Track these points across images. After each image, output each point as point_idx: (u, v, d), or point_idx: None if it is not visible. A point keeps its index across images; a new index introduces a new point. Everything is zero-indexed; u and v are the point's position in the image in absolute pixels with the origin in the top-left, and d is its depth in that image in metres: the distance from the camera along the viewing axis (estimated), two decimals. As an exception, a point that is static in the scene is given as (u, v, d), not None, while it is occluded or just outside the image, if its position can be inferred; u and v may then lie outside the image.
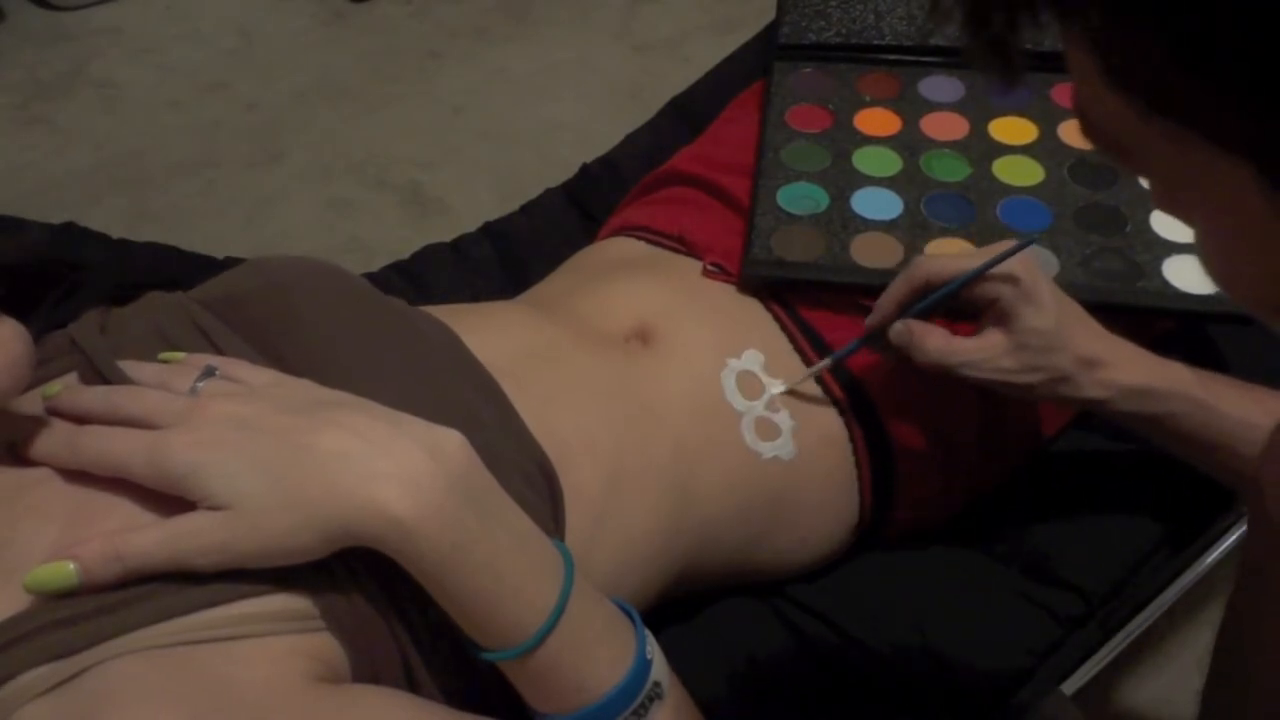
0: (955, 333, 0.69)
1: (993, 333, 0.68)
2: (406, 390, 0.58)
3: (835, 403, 0.75)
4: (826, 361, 0.74)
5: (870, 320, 0.72)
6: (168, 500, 0.49)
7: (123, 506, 0.50)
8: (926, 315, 0.70)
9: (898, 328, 0.69)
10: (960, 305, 0.69)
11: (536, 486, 0.59)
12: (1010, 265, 0.67)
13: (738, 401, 0.72)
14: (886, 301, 0.71)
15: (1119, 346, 0.68)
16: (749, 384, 0.73)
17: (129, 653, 0.45)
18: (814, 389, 0.75)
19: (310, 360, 0.58)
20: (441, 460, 0.50)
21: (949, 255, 0.69)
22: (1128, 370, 0.67)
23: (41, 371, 0.55)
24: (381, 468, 0.48)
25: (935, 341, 0.68)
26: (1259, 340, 0.83)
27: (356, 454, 0.48)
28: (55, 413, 0.52)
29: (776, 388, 0.73)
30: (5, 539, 0.49)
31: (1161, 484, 0.81)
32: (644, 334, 0.74)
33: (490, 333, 0.68)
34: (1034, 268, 0.67)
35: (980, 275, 0.67)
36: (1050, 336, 0.66)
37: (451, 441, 0.51)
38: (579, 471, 0.63)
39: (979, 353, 0.67)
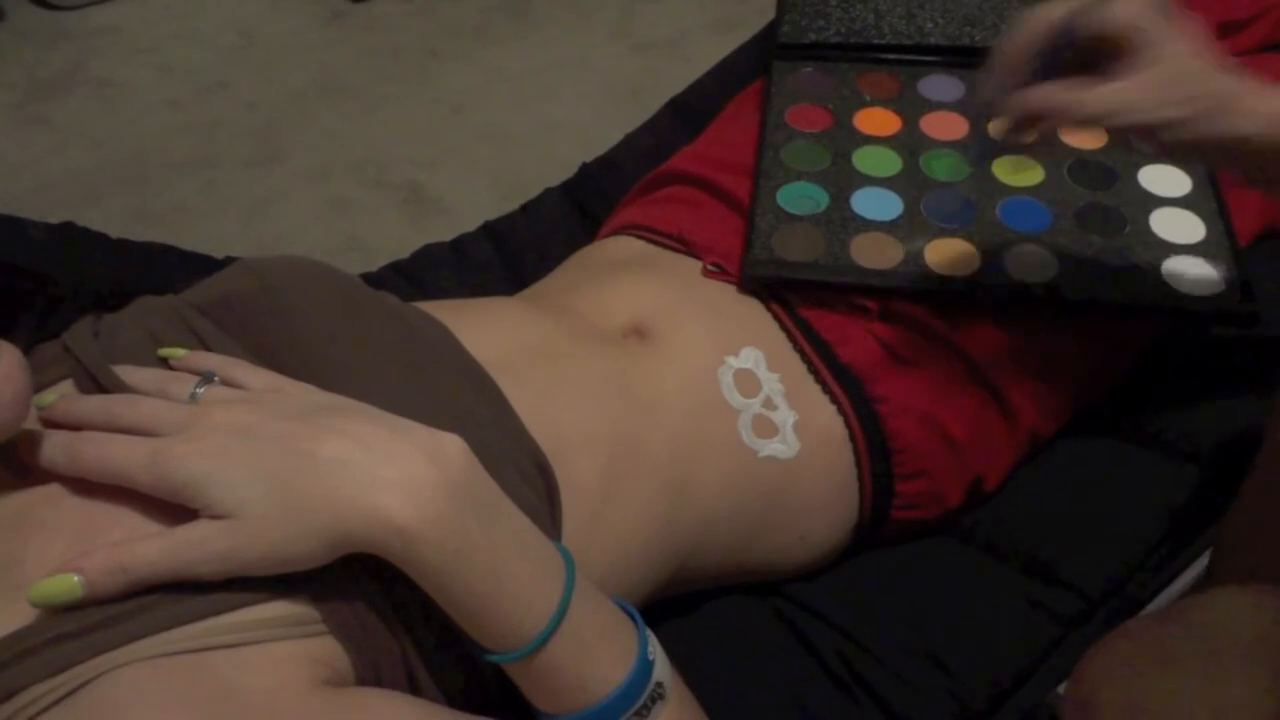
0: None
1: (1122, 69, 0.61)
2: (401, 390, 0.58)
3: (834, 401, 0.75)
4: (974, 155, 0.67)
5: (986, 98, 0.65)
6: (172, 511, 0.49)
7: (127, 519, 0.50)
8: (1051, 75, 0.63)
9: (1017, 100, 0.63)
10: (1085, 55, 0.62)
11: (533, 484, 0.59)
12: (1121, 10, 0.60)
13: (735, 399, 0.72)
14: (1002, 74, 0.63)
15: (1249, 81, 0.61)
16: (747, 382, 0.73)
17: (134, 662, 0.45)
18: (812, 387, 0.75)
19: (305, 362, 0.58)
20: (443, 465, 0.50)
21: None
22: (1273, 100, 0.61)
23: (34, 380, 0.55)
24: (383, 474, 0.48)
25: (1068, 101, 0.61)
26: (1259, 340, 0.83)
27: (357, 461, 0.48)
28: (51, 423, 0.52)
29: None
30: (14, 558, 0.49)
31: (1162, 484, 0.81)
32: (642, 331, 0.74)
33: (486, 328, 0.68)
34: None
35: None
36: (1202, 55, 0.60)
37: (452, 446, 0.51)
38: (576, 468, 0.63)
39: (1116, 95, 0.61)
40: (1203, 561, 0.83)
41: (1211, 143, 0.62)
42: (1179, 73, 0.61)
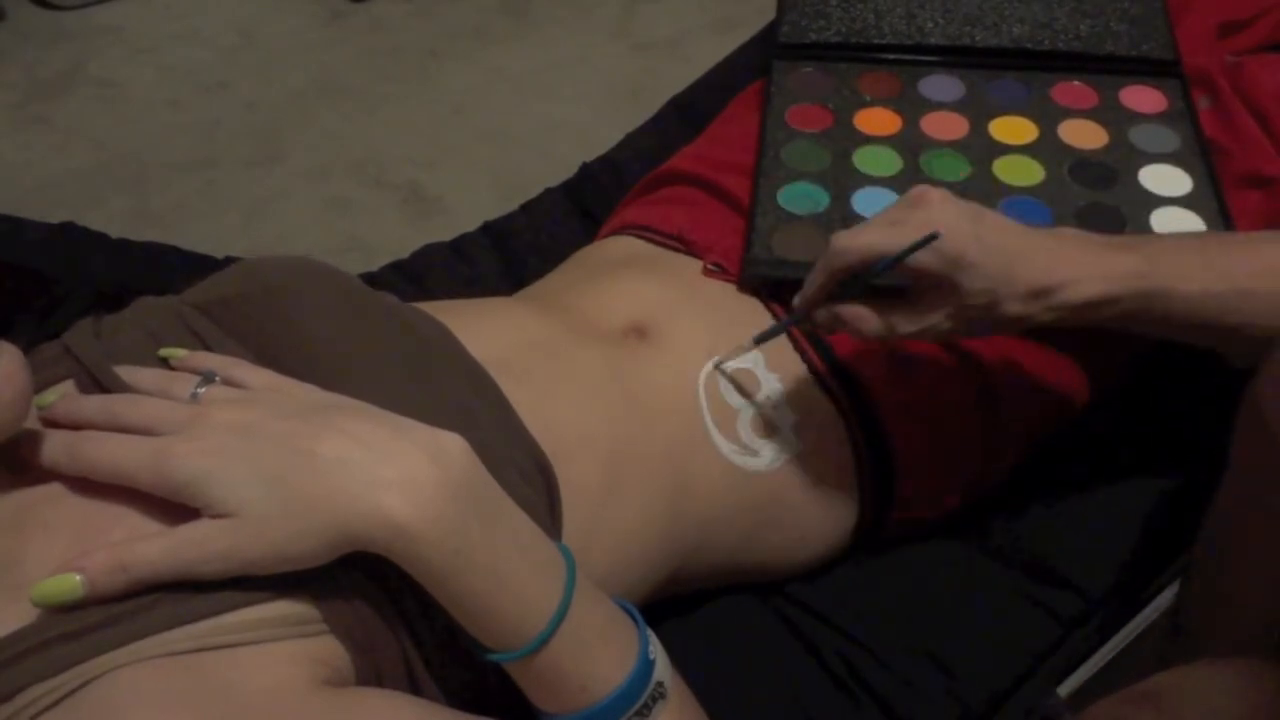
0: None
1: (929, 301, 0.64)
2: (401, 390, 0.58)
3: (834, 401, 0.75)
4: (748, 344, 0.72)
5: (797, 304, 0.69)
6: (173, 511, 0.49)
7: (128, 518, 0.50)
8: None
9: (823, 315, 0.67)
10: (886, 283, 0.66)
11: (534, 484, 0.59)
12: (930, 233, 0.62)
13: (735, 399, 0.72)
14: (810, 291, 0.67)
15: (1066, 262, 0.63)
16: (747, 382, 0.73)
17: (135, 662, 0.45)
18: (812, 387, 0.75)
19: (305, 362, 0.58)
20: (444, 465, 0.50)
21: (861, 232, 0.64)
22: (1079, 288, 0.63)
23: (35, 380, 0.55)
24: (384, 474, 0.48)
25: (872, 325, 0.65)
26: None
27: (359, 460, 0.48)
28: (52, 422, 0.52)
29: (740, 357, 0.72)
30: (14, 558, 0.49)
31: (1162, 484, 0.81)
32: (641, 330, 0.74)
33: (486, 328, 0.68)
34: (957, 230, 0.62)
35: (899, 260, 0.63)
36: (992, 293, 0.63)
37: (454, 445, 0.51)
38: (576, 467, 0.63)
39: (920, 323, 0.65)
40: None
41: (1064, 324, 0.66)
42: (969, 304, 0.63)
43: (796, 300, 0.69)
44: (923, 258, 0.62)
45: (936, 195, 0.64)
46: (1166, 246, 0.66)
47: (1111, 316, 0.65)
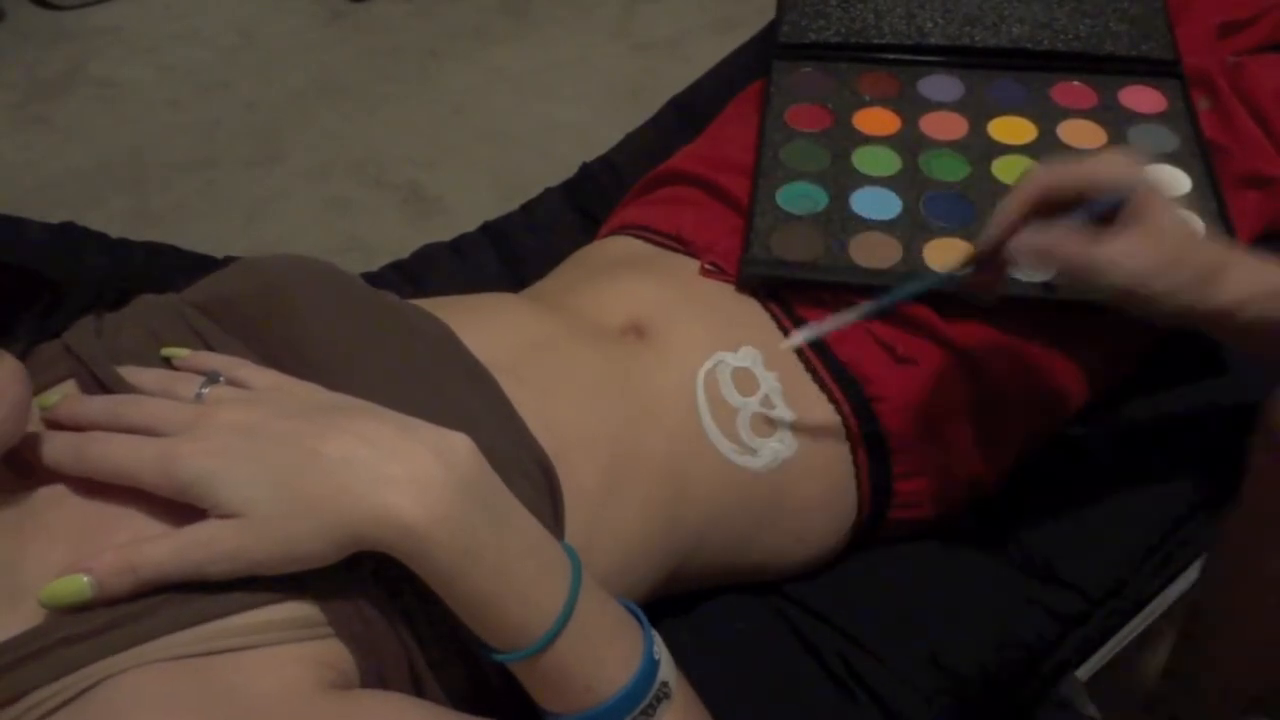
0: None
1: (1131, 228, 0.61)
2: (403, 389, 0.58)
3: (832, 400, 0.75)
4: (855, 313, 0.68)
5: (983, 243, 0.65)
6: (176, 513, 0.49)
7: (130, 521, 0.50)
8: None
9: (1022, 242, 0.62)
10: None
11: (536, 484, 0.59)
12: (1129, 172, 0.61)
13: (733, 398, 0.72)
14: (1003, 220, 0.64)
15: (1238, 253, 0.62)
16: (745, 381, 0.73)
17: (139, 666, 0.45)
18: (811, 387, 0.75)
19: (306, 361, 0.58)
20: (450, 464, 0.49)
21: (1072, 161, 0.62)
22: (1261, 270, 0.61)
23: (36, 381, 0.55)
24: (390, 473, 0.48)
25: (1073, 245, 0.61)
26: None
27: (364, 459, 0.48)
28: (55, 424, 0.52)
29: (796, 339, 0.70)
30: (13, 560, 0.49)
31: (1162, 484, 0.81)
32: (640, 330, 0.74)
33: (487, 327, 0.68)
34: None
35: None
36: (1189, 227, 0.61)
37: (460, 445, 0.51)
38: (577, 467, 0.63)
39: (1124, 246, 0.61)
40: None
41: (1195, 315, 0.62)
42: (1170, 238, 0.61)
43: (982, 242, 0.65)
44: (1129, 169, 0.61)
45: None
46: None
47: (1241, 326, 0.62)
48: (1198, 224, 0.61)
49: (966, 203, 0.84)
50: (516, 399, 0.63)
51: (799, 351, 0.76)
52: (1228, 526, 0.63)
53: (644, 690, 0.52)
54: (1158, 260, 0.61)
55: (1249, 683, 0.62)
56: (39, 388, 0.55)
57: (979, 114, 0.91)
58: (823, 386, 0.75)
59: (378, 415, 0.52)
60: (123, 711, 0.44)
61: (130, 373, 0.55)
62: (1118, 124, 0.90)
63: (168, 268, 0.90)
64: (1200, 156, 0.86)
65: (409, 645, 0.52)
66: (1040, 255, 0.62)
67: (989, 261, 0.65)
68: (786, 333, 0.77)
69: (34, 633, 0.46)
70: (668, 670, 0.54)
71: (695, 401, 0.71)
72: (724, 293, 0.79)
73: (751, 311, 0.78)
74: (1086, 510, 0.80)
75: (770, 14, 1.03)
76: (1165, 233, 0.61)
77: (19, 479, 0.51)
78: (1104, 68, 0.94)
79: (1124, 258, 0.61)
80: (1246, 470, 0.59)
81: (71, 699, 0.44)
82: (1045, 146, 0.88)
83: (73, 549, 0.49)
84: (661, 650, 0.55)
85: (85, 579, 0.46)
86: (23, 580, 0.48)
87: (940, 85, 0.95)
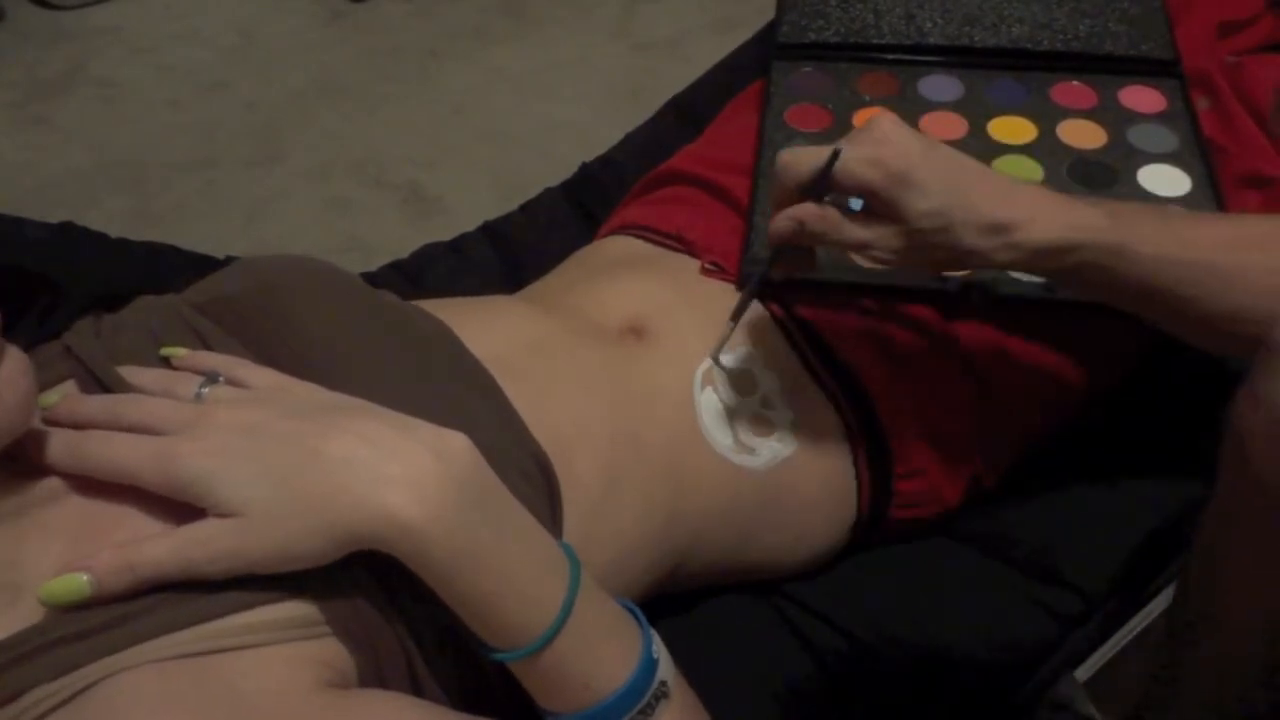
0: None
1: (880, 218, 0.63)
2: (402, 389, 0.58)
3: (832, 400, 0.75)
4: (728, 325, 0.71)
5: (771, 236, 0.67)
6: (174, 512, 0.49)
7: (128, 520, 0.50)
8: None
9: (782, 222, 0.65)
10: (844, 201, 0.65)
11: (535, 483, 0.60)
12: (878, 151, 0.61)
13: (732, 397, 0.72)
14: (773, 208, 0.66)
15: (1025, 201, 0.62)
16: (744, 381, 0.73)
17: (137, 665, 0.45)
18: (809, 386, 0.75)
19: (306, 361, 0.58)
20: (449, 464, 0.50)
21: (807, 149, 0.64)
22: (1038, 227, 0.62)
23: (37, 380, 0.55)
24: (389, 472, 0.48)
25: (821, 222, 0.63)
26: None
27: (364, 458, 0.48)
28: (54, 423, 0.52)
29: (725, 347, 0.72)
30: (12, 558, 0.49)
31: (1162, 484, 0.81)
32: (639, 329, 0.74)
33: (486, 327, 0.68)
34: (905, 149, 0.61)
35: (830, 171, 0.62)
36: (945, 217, 0.61)
37: (458, 444, 0.51)
38: (575, 466, 0.63)
39: (868, 231, 0.63)
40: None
41: (1021, 267, 0.64)
42: (918, 227, 0.62)
43: (770, 235, 0.67)
44: (865, 171, 0.61)
45: (887, 119, 0.63)
46: (1130, 209, 0.65)
47: (1069, 268, 0.63)
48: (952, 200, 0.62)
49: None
50: (515, 398, 0.63)
51: (798, 351, 0.76)
52: (1200, 527, 0.63)
53: (642, 689, 0.52)
54: (905, 245, 0.63)
55: (1226, 686, 0.62)
56: (39, 388, 0.55)
57: (979, 114, 0.91)
58: (822, 387, 0.75)
59: (377, 415, 0.52)
60: (121, 710, 0.44)
61: (130, 373, 0.55)
62: (1117, 124, 0.90)
63: (168, 268, 0.90)
64: (1200, 156, 0.86)
65: (407, 644, 0.52)
66: (792, 223, 0.64)
67: (781, 249, 0.67)
68: (786, 333, 0.77)
69: (32, 631, 0.46)
70: (666, 669, 0.54)
71: (694, 401, 0.71)
72: (724, 293, 0.79)
73: (750, 312, 0.78)
74: (1086, 510, 0.80)
75: (770, 14, 1.03)
76: (917, 219, 0.61)
77: (18, 477, 0.51)
78: (1104, 68, 0.94)
79: (869, 235, 0.63)
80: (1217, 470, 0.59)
81: (70, 698, 0.44)
82: (1045, 146, 0.88)
83: (71, 547, 0.49)
84: (660, 649, 0.55)
85: (84, 577, 0.46)
86: (21, 578, 0.48)
87: (940, 85, 0.95)
